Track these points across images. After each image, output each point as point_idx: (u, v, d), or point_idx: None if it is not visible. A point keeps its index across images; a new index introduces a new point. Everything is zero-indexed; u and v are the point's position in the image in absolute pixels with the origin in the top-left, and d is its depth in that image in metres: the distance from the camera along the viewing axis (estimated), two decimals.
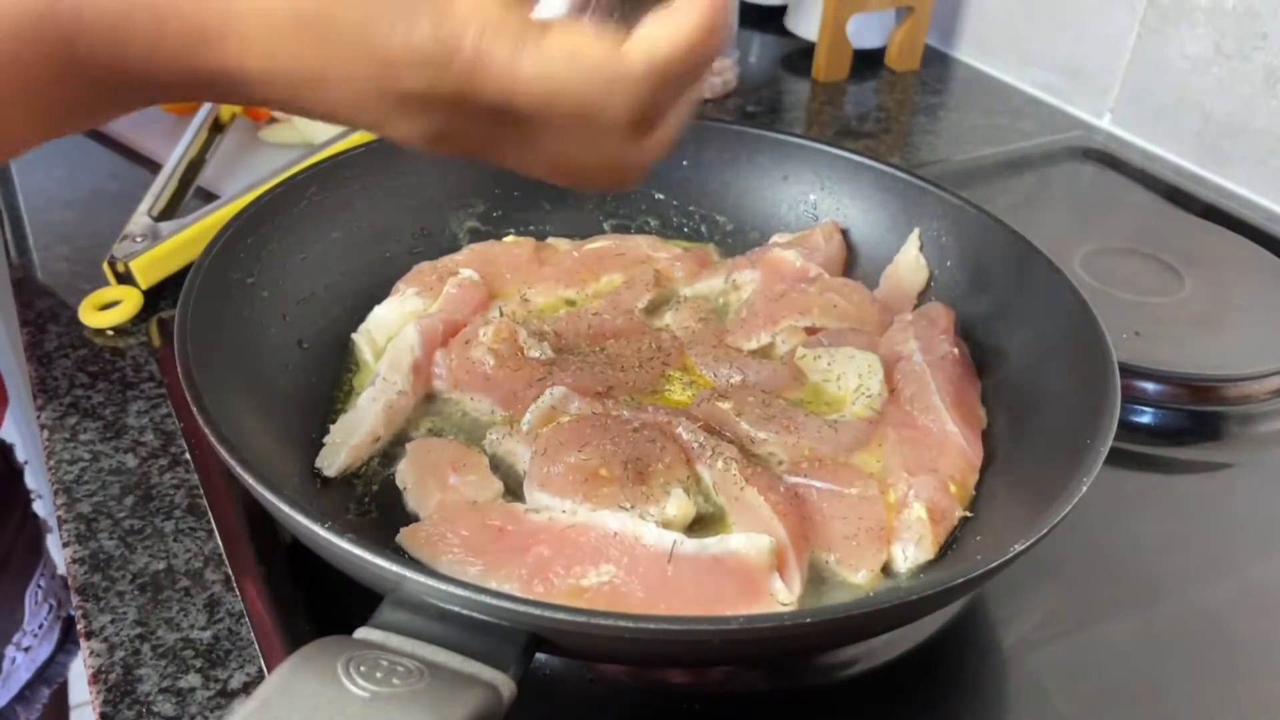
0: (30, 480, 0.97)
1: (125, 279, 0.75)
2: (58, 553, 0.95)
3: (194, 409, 0.49)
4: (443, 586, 0.41)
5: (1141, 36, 1.07)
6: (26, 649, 0.90)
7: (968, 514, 0.58)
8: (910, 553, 0.55)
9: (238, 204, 0.71)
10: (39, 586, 0.92)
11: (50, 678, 0.93)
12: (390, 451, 0.60)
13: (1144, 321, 0.77)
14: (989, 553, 0.46)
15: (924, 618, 0.55)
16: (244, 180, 0.82)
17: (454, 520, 0.53)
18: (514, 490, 0.58)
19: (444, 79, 0.37)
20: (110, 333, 0.74)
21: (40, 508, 0.96)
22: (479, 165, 0.76)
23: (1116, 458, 0.52)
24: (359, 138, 0.85)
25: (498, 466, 0.59)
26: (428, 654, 0.39)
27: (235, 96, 0.40)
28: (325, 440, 0.60)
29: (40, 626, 0.92)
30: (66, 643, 0.95)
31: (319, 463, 0.58)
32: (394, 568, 0.42)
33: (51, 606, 0.93)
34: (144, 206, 0.79)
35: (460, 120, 0.39)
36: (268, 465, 0.52)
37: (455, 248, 0.75)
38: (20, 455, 0.96)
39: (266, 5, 0.37)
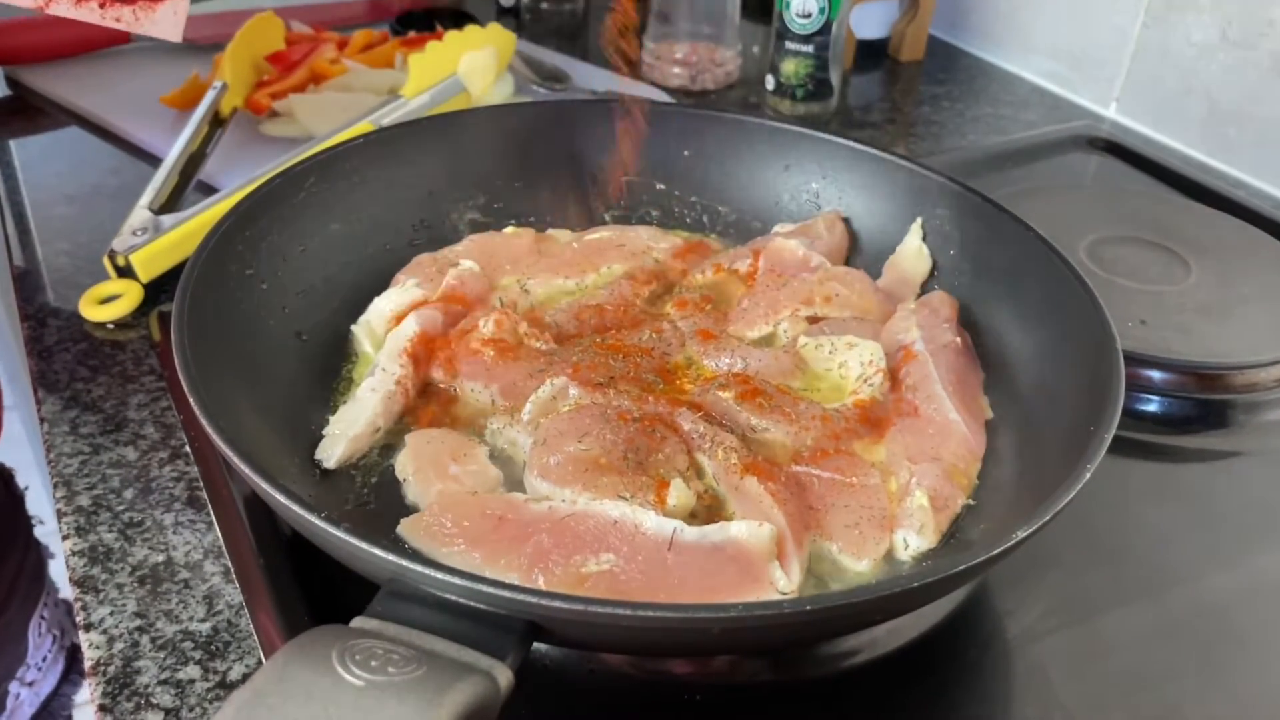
0: (32, 506, 0.94)
1: (126, 273, 0.75)
2: (61, 579, 0.93)
3: (191, 400, 0.49)
4: (438, 575, 0.40)
5: (1147, 24, 1.06)
6: (30, 683, 0.88)
7: (970, 502, 0.57)
8: (912, 541, 0.54)
9: (237, 197, 0.71)
10: (42, 618, 0.90)
11: (55, 711, 0.91)
12: (390, 443, 0.60)
13: (1150, 310, 0.76)
14: (992, 540, 0.45)
15: (927, 607, 0.54)
16: (244, 174, 0.81)
17: (454, 510, 0.52)
18: (514, 480, 0.58)
19: None
20: (111, 326, 0.74)
21: (43, 533, 0.93)
22: (479, 156, 0.77)
23: (1122, 446, 0.52)
24: (358, 129, 0.84)
25: (497, 457, 0.59)
26: (424, 643, 0.39)
27: None
28: (325, 432, 0.59)
29: (44, 659, 0.90)
30: (71, 674, 0.93)
31: (319, 454, 0.58)
32: (390, 557, 0.41)
33: (55, 637, 0.91)
34: (144, 200, 0.79)
35: None
36: (266, 457, 0.52)
37: (455, 239, 0.75)
38: (21, 480, 0.94)
39: None
